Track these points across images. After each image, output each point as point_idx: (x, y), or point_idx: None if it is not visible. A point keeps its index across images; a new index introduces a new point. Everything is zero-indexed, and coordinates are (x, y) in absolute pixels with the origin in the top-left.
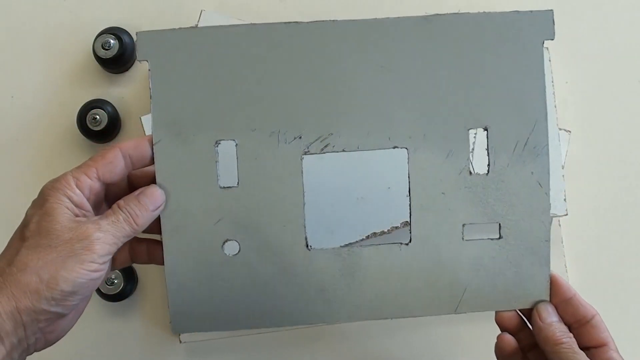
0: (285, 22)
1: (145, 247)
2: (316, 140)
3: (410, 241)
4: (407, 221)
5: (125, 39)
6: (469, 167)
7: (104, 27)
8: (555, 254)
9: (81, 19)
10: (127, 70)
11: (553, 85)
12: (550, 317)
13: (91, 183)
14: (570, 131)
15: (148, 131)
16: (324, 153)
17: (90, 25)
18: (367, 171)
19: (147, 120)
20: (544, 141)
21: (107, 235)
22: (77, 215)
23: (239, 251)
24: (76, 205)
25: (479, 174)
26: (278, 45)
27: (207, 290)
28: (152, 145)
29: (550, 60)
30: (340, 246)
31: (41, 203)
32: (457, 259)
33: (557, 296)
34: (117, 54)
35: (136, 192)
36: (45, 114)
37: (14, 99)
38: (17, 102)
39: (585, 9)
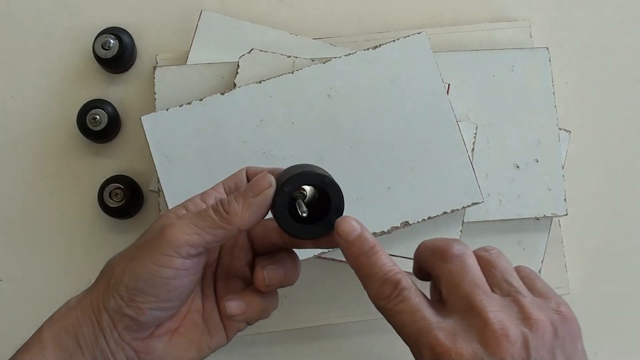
0: None
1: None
2: None
3: None
4: (407, 221)
5: (125, 39)
6: None
7: (104, 27)
8: (555, 254)
9: (81, 19)
10: (127, 70)
11: (553, 85)
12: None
13: (217, 195)
14: (570, 131)
15: (148, 131)
16: None
17: (90, 25)
18: (367, 171)
19: (147, 120)
20: None
21: (185, 224)
22: None
23: None
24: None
25: None
26: None
27: None
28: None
29: (550, 60)
30: None
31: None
32: None
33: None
34: (117, 54)
35: None
36: (45, 114)
37: (14, 99)
38: (17, 102)
39: (585, 9)
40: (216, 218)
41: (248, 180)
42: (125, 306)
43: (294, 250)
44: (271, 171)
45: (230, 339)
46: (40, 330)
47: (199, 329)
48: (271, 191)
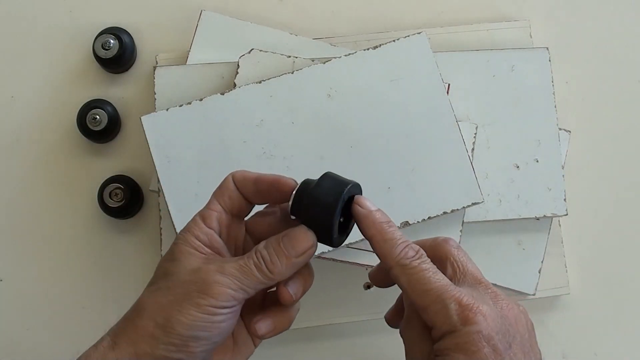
0: None
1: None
2: None
3: None
4: (407, 221)
5: (125, 39)
6: None
7: (104, 27)
8: (555, 254)
9: (81, 19)
10: (127, 70)
11: (553, 85)
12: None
13: (217, 215)
14: (570, 131)
15: (148, 131)
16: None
17: (90, 25)
18: (367, 171)
19: (147, 120)
20: None
21: (231, 281)
22: (205, 255)
23: None
24: (205, 244)
25: None
26: None
27: None
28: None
29: (550, 60)
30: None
31: (172, 248)
32: None
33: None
34: (117, 54)
35: (282, 234)
36: (45, 114)
37: (14, 99)
38: (17, 102)
39: (585, 9)
40: (260, 276)
41: (236, 186)
42: (176, 351)
43: None
44: (259, 178)
45: (257, 346)
46: None
47: (230, 347)
48: (313, 250)
